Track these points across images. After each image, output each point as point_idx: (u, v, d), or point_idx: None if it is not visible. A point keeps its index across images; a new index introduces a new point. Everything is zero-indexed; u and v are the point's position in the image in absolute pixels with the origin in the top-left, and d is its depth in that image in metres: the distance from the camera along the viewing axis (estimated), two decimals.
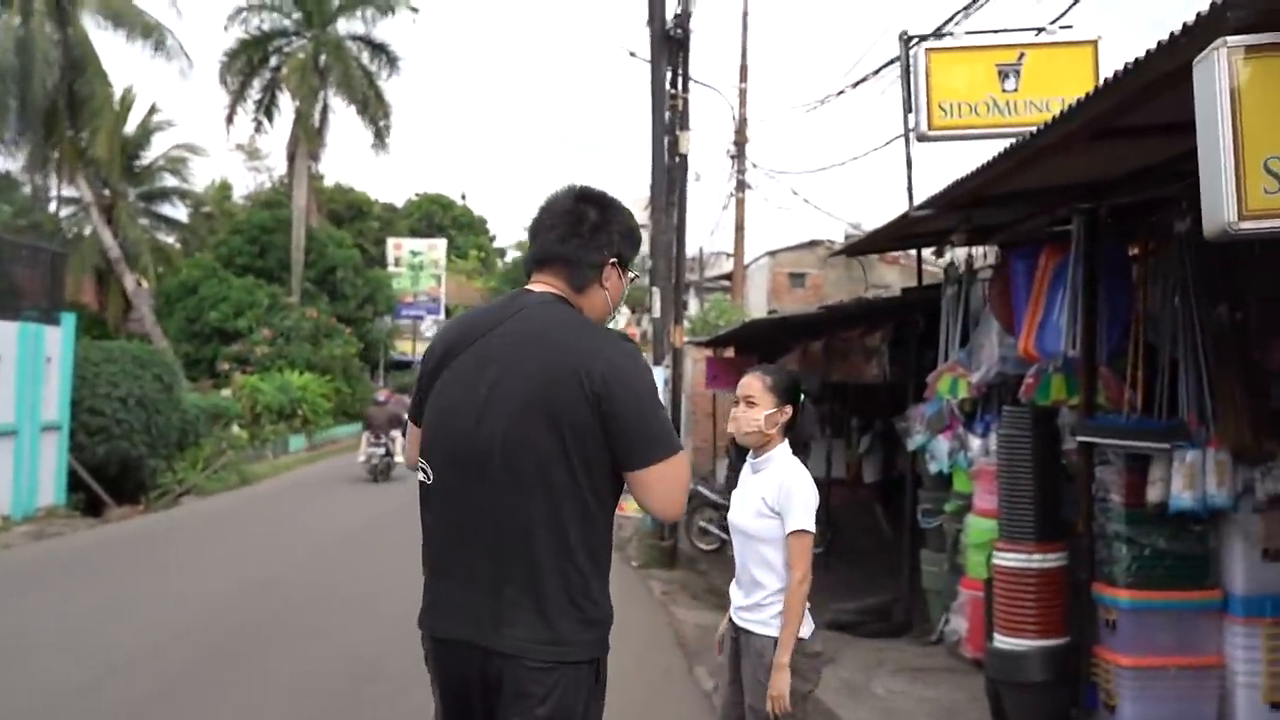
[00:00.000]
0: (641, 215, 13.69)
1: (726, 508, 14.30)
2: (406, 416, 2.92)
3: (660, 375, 12.33)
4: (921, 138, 7.39)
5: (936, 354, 8.53)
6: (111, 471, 18.99)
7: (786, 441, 3.91)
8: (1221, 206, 2.84)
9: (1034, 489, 6.05)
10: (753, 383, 3.91)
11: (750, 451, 3.97)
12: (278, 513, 17.45)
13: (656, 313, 12.29)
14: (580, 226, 2.71)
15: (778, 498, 3.77)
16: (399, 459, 20.59)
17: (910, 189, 7.29)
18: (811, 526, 3.76)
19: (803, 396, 4.01)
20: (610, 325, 2.86)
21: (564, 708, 2.56)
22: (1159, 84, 3.55)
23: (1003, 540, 6.23)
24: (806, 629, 3.80)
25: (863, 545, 12.54)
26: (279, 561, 11.85)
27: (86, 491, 18.20)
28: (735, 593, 3.94)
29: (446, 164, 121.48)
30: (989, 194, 5.80)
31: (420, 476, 2.70)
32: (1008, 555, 6.10)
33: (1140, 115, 4.07)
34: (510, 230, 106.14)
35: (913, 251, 9.13)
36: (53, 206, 35.49)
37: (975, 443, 7.83)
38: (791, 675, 3.69)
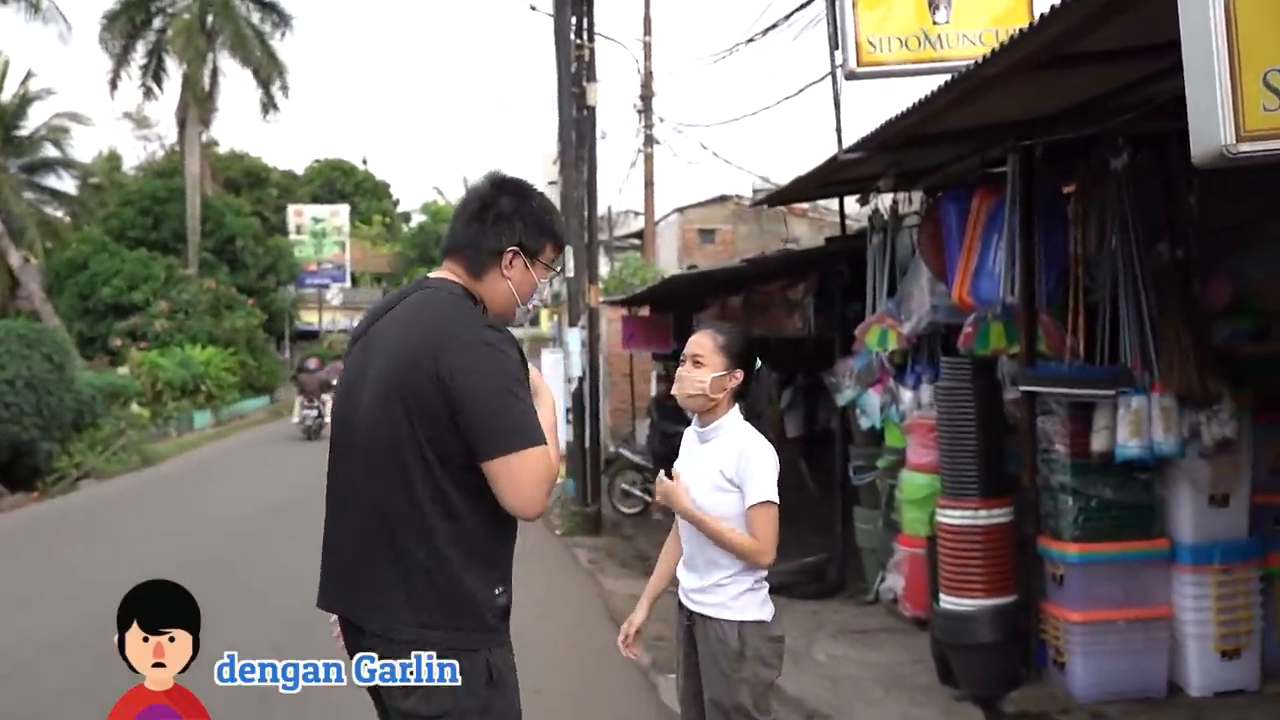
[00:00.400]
0: (550, 171, 13.25)
1: (649, 469, 13.99)
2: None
3: (576, 337, 11.94)
4: (850, 75, 7.04)
5: (863, 305, 8.30)
6: (2, 457, 18.06)
7: (736, 407, 3.55)
8: (1216, 128, 2.54)
9: (977, 443, 5.81)
10: (703, 340, 3.52)
11: (696, 419, 3.59)
12: (184, 492, 16.75)
13: (570, 272, 11.87)
14: (485, 213, 2.66)
15: (737, 468, 3.42)
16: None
17: (839, 131, 6.96)
18: (776, 497, 3.43)
19: (758, 363, 3.67)
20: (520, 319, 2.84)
21: (435, 703, 2.48)
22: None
23: (945, 497, 5.99)
24: (767, 611, 3.48)
25: (790, 503, 12.28)
26: (188, 544, 11.29)
27: None
28: (686, 575, 3.57)
29: (347, 129, 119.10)
30: (922, 133, 5.50)
31: (327, 464, 2.74)
32: (952, 513, 5.86)
33: (1098, 38, 3.77)
34: (414, 195, 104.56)
35: (829, 203, 8.87)
36: None
37: (907, 395, 7.61)
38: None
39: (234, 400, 31.36)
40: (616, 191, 50.27)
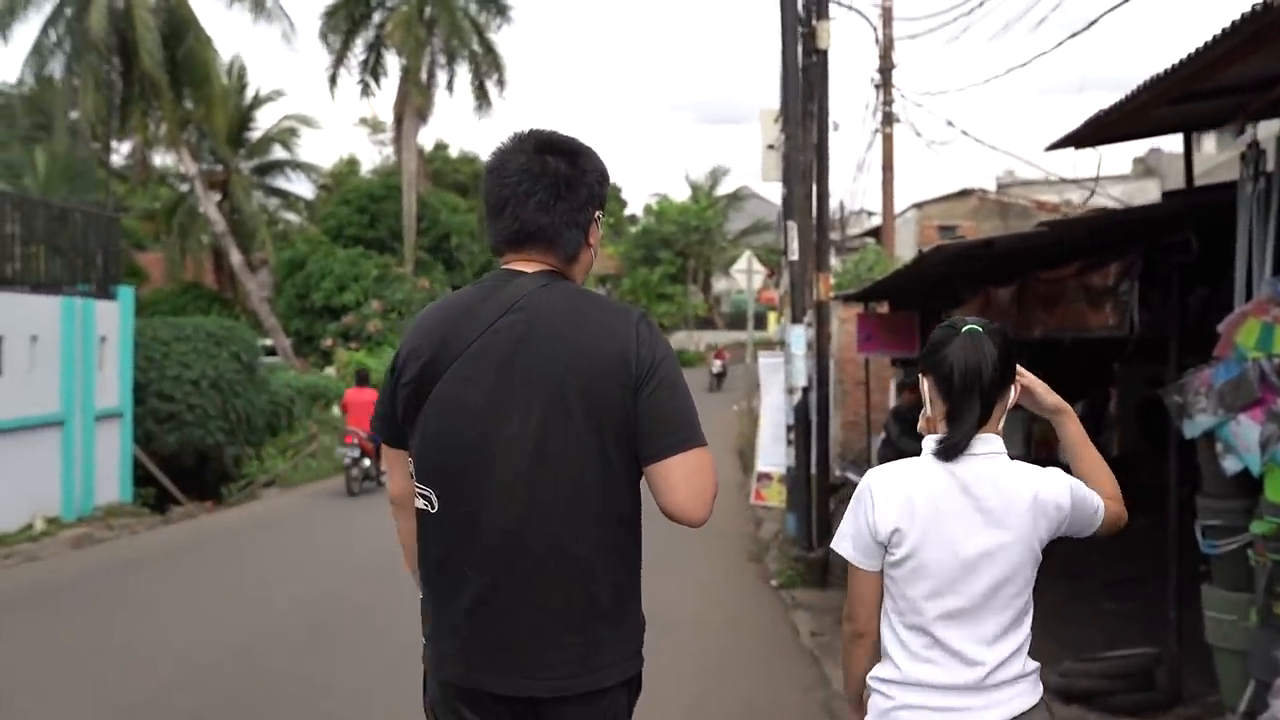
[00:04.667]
0: (770, 132, 10.83)
1: None
2: (377, 435, 2.50)
3: (801, 337, 9.49)
4: None
5: (1212, 291, 5.64)
6: (187, 462, 17.09)
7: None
8: None
9: None
10: None
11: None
12: (366, 505, 15.20)
13: (794, 254, 9.43)
14: (560, 187, 2.31)
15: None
16: None
17: None
18: None
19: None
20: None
21: None
22: None
23: None
24: None
25: (1081, 567, 9.56)
26: (341, 574, 9.52)
27: (158, 485, 16.29)
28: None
29: (577, 131, 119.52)
30: None
31: (419, 504, 2.31)
32: None
33: None
34: (642, 198, 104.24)
35: (1163, 143, 6.11)
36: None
37: None
38: None
39: None
40: (850, 179, 47.12)
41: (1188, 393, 5.74)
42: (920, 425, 2.58)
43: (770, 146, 10.48)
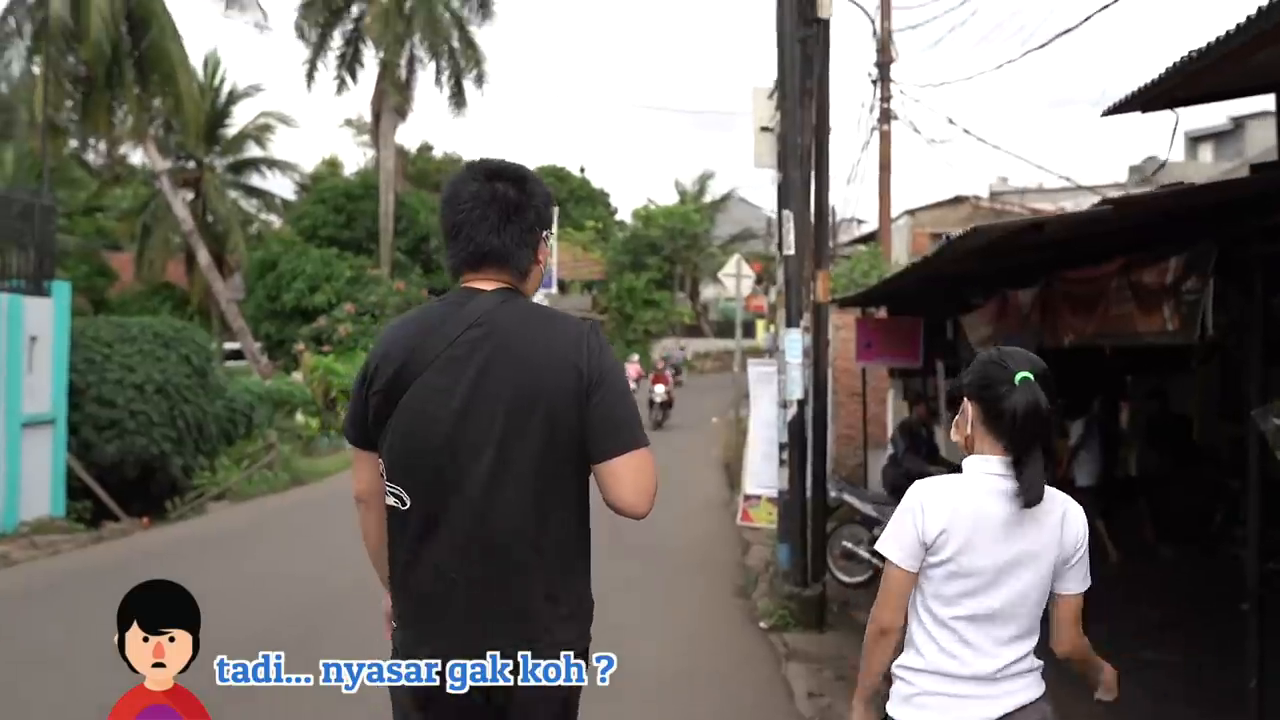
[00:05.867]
0: (764, 111, 9.65)
1: (880, 523, 9.66)
2: (347, 441, 2.72)
3: (797, 343, 8.31)
4: None
5: None
6: (129, 474, 15.79)
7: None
8: None
9: None
10: None
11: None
12: (317, 524, 13.89)
13: (790, 247, 8.26)
14: (509, 211, 2.56)
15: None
16: None
17: None
18: None
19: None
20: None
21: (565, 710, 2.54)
22: None
23: None
24: None
25: (1107, 606, 8.43)
26: (280, 609, 8.30)
27: (95, 499, 15.01)
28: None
29: (567, 139, 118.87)
30: None
31: (390, 502, 2.53)
32: None
33: None
34: (631, 204, 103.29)
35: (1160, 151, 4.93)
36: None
37: None
38: None
39: None
40: (844, 182, 45.76)
41: None
42: (954, 436, 2.88)
43: (764, 128, 9.31)
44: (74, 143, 31.55)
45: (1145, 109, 5.17)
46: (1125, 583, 9.71)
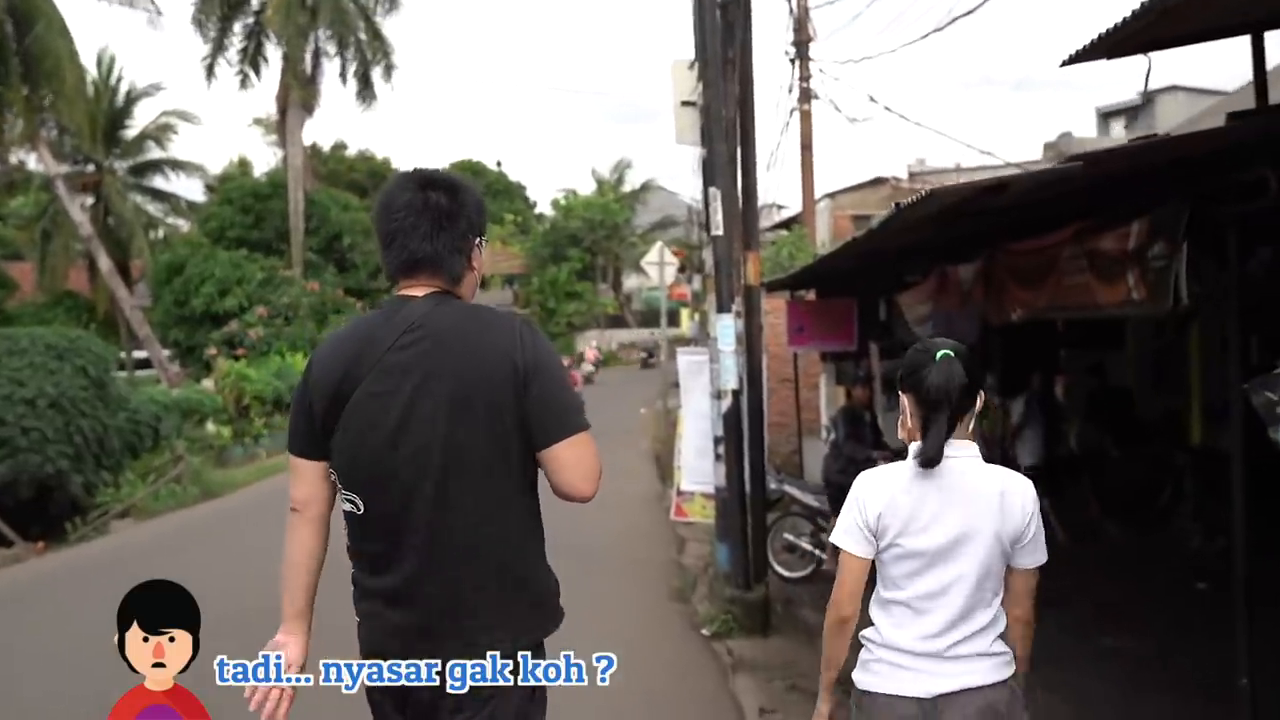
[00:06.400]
0: (684, 85, 9.08)
1: (823, 513, 9.77)
2: (288, 450, 2.76)
3: (729, 329, 7.79)
4: None
5: None
6: (24, 494, 14.83)
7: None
8: None
9: None
10: None
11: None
12: (229, 539, 13.08)
13: (717, 227, 7.72)
14: (442, 219, 2.62)
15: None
16: None
17: None
18: None
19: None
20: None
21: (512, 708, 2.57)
22: None
23: None
24: None
25: (1061, 589, 8.03)
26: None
27: None
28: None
29: (482, 135, 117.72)
30: None
31: (346, 508, 2.61)
32: None
33: None
34: (547, 194, 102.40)
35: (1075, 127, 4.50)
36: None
37: None
38: None
39: None
40: (764, 168, 45.63)
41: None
42: (900, 435, 3.02)
43: (685, 102, 8.76)
44: None
45: (1111, 54, 4.71)
46: (1074, 565, 9.36)
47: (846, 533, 2.89)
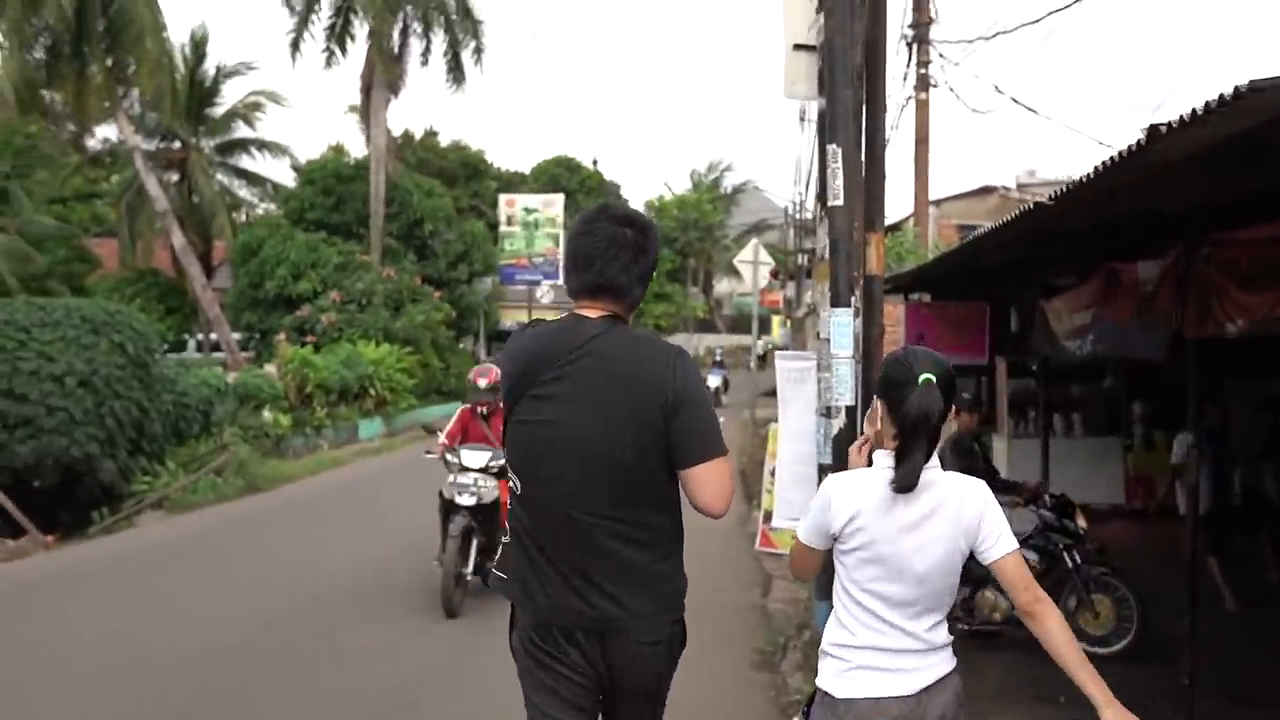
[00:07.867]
0: (799, 25, 7.31)
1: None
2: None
3: (846, 327, 6.04)
4: None
5: None
6: (48, 479, 13.59)
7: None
8: None
9: None
10: None
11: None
12: (260, 542, 11.69)
13: (837, 195, 5.99)
14: (637, 254, 3.03)
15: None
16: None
17: None
18: None
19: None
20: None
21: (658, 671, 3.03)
22: None
23: None
24: None
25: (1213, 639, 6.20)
26: (197, 671, 6.11)
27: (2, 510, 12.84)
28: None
29: (579, 129, 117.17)
30: None
31: (511, 485, 3.07)
32: None
33: None
34: (641, 193, 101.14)
35: None
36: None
37: None
38: None
39: (410, 407, 26.73)
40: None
41: None
42: (866, 428, 3.09)
43: (798, 45, 7.01)
44: (52, 127, 29.45)
45: None
46: (1246, 639, 7.52)
47: (808, 532, 2.97)
